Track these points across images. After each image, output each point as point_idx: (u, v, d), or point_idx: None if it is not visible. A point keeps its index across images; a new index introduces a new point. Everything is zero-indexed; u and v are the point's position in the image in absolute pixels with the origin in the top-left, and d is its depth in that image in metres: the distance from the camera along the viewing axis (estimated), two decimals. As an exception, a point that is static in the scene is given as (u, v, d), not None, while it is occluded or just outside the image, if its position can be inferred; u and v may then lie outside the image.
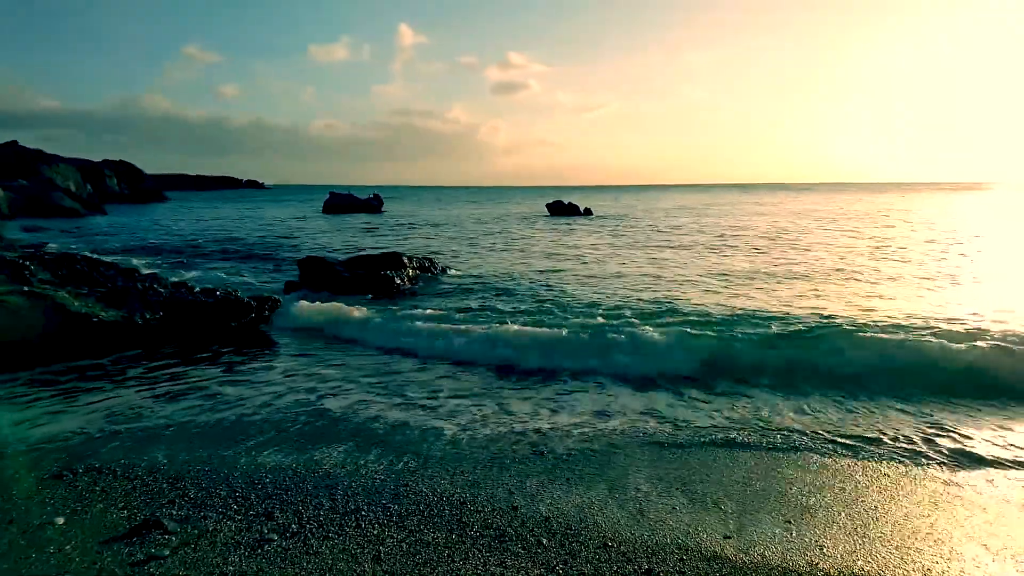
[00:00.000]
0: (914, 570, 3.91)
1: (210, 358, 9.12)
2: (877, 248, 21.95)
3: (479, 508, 4.70)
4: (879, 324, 9.84)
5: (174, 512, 4.56)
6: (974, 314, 10.66)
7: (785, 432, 6.19)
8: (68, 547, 4.08)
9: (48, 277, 10.52)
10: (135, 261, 17.82)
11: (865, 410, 6.82)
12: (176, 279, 12.86)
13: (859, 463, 5.48)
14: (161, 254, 21.64)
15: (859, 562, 3.98)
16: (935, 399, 7.08)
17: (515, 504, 4.76)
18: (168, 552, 4.03)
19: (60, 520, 4.41)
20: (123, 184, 67.19)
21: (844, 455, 5.64)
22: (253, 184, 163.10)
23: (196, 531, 4.31)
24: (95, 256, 13.74)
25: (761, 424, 6.45)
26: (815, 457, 5.60)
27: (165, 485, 5.00)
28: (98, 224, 35.84)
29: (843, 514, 4.59)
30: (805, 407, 6.93)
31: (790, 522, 4.48)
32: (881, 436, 6.05)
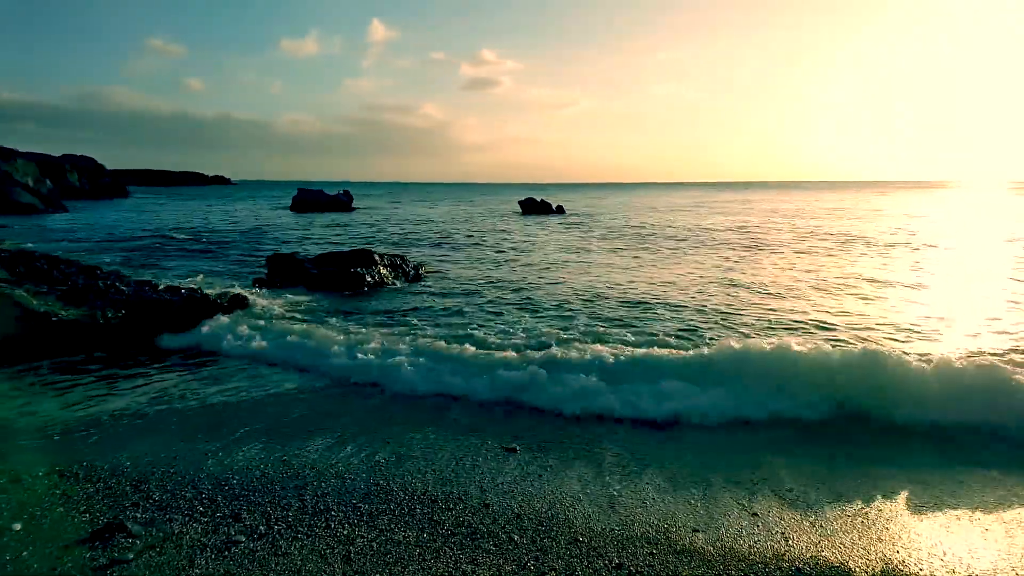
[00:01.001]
0: None
1: (176, 356, 8.94)
2: (844, 243, 22.49)
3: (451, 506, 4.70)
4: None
5: (139, 515, 4.47)
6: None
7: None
8: (26, 553, 3.97)
9: (5, 275, 10.20)
10: (96, 258, 17.35)
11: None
12: (139, 277, 12.58)
13: None
14: (124, 251, 21.11)
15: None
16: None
17: (487, 501, 4.77)
18: (132, 556, 3.95)
19: (17, 526, 4.29)
20: (84, 180, 65.44)
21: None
22: (219, 180, 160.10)
23: (161, 534, 4.22)
24: (55, 254, 13.36)
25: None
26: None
27: (128, 488, 4.89)
28: (58, 221, 34.81)
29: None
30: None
31: (756, 515, 4.57)
32: None
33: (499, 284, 14.70)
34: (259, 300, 11.87)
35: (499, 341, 9.12)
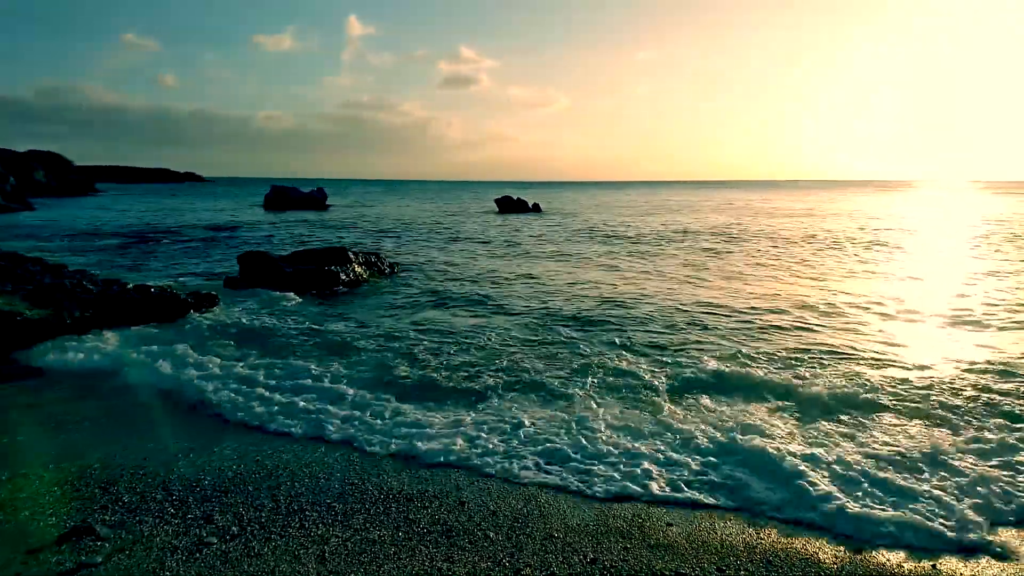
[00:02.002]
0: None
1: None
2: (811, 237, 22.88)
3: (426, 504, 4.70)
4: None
5: (107, 518, 4.39)
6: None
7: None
8: (-11, 558, 3.88)
9: (-34, 274, 9.91)
10: (63, 258, 16.96)
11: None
12: (108, 276, 12.33)
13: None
14: (92, 250, 20.68)
15: (793, 544, 4.15)
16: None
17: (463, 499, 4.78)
18: (100, 559, 3.88)
19: (-20, 530, 4.19)
20: (51, 176, 63.84)
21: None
22: (192, 176, 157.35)
23: (131, 536, 4.16)
24: (20, 253, 13.03)
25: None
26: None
27: (97, 490, 4.80)
28: (23, 219, 33.92)
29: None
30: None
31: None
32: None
33: (469, 282, 14.71)
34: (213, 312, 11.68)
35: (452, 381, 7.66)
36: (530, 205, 45.96)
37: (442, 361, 8.29)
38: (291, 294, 12.41)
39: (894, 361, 8.24)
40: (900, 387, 7.06)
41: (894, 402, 6.63)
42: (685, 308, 11.66)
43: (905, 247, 22.27)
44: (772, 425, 6.05)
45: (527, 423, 6.14)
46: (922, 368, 7.87)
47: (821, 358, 8.36)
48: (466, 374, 7.76)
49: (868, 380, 7.28)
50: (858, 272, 16.23)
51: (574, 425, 6.06)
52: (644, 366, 7.99)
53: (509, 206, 45.82)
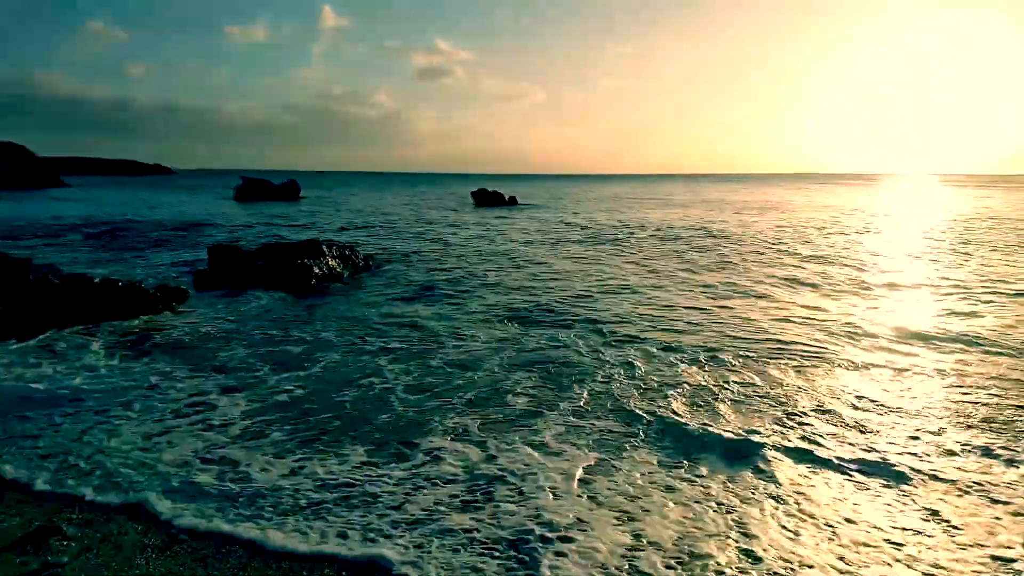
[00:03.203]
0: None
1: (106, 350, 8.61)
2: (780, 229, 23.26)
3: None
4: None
5: (74, 517, 4.31)
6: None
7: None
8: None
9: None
10: (27, 251, 16.51)
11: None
12: (74, 269, 12.04)
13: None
14: (58, 243, 20.15)
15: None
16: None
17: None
18: (67, 559, 3.81)
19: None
20: (12, 168, 61.90)
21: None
22: (160, 169, 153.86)
23: (99, 535, 4.09)
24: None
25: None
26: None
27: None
28: (-18, 211, 32.91)
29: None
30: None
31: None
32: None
33: (443, 278, 14.69)
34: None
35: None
36: (506, 198, 45.90)
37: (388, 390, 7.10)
38: (259, 292, 12.19)
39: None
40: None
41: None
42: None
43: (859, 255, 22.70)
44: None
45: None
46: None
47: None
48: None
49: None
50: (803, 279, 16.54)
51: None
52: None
53: (485, 199, 45.71)
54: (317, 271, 13.62)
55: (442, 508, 4.55)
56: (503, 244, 21.10)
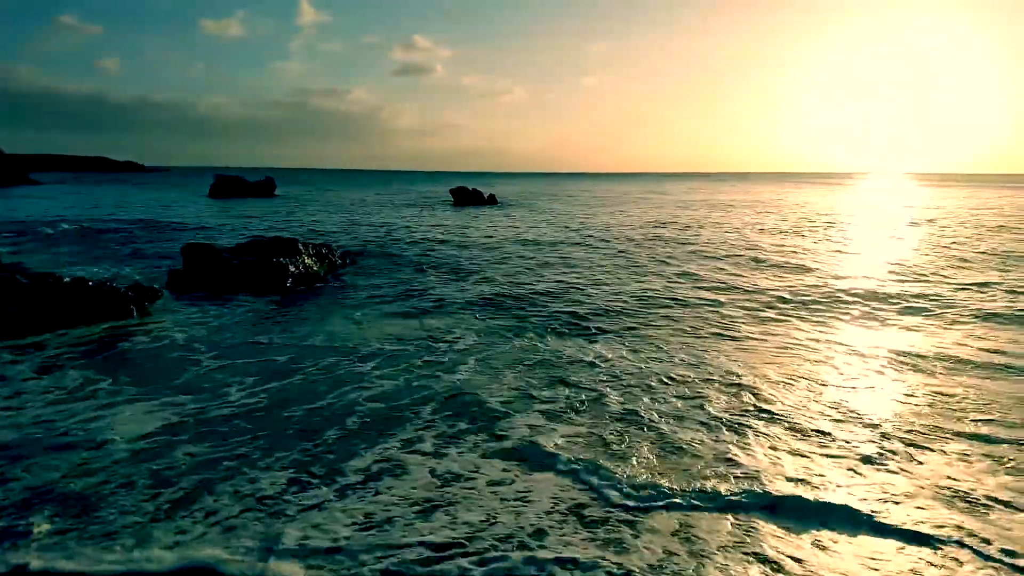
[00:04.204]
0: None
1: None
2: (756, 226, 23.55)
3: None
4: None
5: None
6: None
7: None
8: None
9: None
10: (-8, 250, 16.12)
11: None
12: (43, 269, 11.78)
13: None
14: (27, 242, 19.70)
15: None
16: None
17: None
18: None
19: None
20: (-25, 164, 60.27)
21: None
22: (132, 165, 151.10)
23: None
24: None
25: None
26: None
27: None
28: (-54, 209, 32.05)
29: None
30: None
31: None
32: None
33: (419, 282, 14.65)
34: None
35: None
36: (486, 196, 45.81)
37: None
38: (234, 292, 12.00)
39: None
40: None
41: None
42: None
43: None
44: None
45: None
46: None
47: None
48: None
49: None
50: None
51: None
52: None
53: (464, 197, 45.57)
54: (293, 270, 13.47)
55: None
56: (479, 242, 21.06)
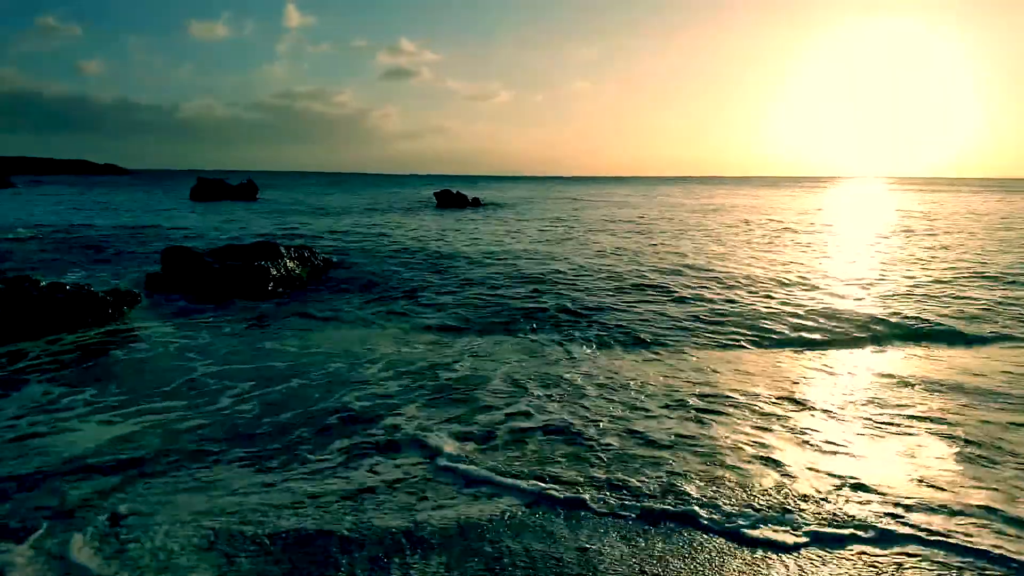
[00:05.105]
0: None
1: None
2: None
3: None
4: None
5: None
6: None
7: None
8: None
9: None
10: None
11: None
12: (18, 273, 11.61)
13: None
14: (1, 247, 19.40)
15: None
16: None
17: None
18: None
19: None
20: (-49, 167, 59.40)
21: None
22: (113, 168, 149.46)
23: (35, 548, 3.95)
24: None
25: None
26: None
27: None
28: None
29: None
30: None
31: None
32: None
33: (410, 281, 14.63)
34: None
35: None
36: (470, 199, 45.83)
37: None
38: (214, 297, 11.89)
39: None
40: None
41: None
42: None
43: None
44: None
45: None
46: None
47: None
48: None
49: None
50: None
51: None
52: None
53: (448, 200, 45.56)
54: (275, 273, 13.38)
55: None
56: (459, 246, 21.01)
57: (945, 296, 12.19)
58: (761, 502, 4.61)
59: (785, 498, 4.67)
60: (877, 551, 4.03)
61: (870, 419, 6.22)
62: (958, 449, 5.52)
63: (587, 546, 4.08)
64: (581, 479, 4.96)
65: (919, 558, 3.96)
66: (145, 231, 24.34)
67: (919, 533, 4.20)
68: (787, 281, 13.92)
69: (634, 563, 3.90)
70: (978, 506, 4.54)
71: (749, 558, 3.97)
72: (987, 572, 3.82)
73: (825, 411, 6.45)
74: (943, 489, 4.78)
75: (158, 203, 43.01)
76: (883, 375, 7.63)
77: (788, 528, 4.28)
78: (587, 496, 4.68)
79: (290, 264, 14.21)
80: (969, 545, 4.06)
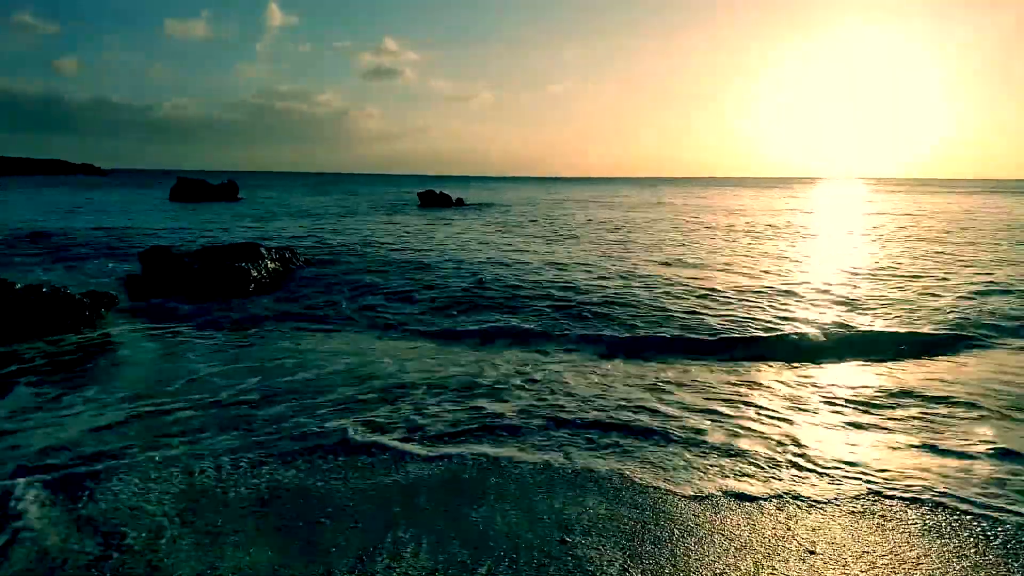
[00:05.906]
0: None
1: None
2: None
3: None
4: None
5: None
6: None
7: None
8: None
9: None
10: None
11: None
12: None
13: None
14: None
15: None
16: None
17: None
18: None
19: None
20: (-77, 167, 58.13)
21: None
22: (90, 168, 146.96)
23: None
24: None
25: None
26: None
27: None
28: None
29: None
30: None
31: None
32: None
33: (394, 280, 14.62)
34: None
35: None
36: (453, 200, 45.84)
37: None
38: (192, 299, 11.76)
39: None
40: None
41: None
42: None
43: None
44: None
45: None
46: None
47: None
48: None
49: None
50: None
51: None
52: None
53: (431, 200, 45.53)
54: (255, 274, 13.31)
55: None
56: (440, 245, 20.99)
57: (906, 302, 12.05)
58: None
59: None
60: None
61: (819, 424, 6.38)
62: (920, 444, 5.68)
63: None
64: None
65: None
66: (124, 232, 24.00)
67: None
68: (745, 288, 14.13)
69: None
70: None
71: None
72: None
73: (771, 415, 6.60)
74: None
75: (137, 203, 42.46)
76: (821, 385, 7.83)
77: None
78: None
79: (271, 265, 14.15)
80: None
